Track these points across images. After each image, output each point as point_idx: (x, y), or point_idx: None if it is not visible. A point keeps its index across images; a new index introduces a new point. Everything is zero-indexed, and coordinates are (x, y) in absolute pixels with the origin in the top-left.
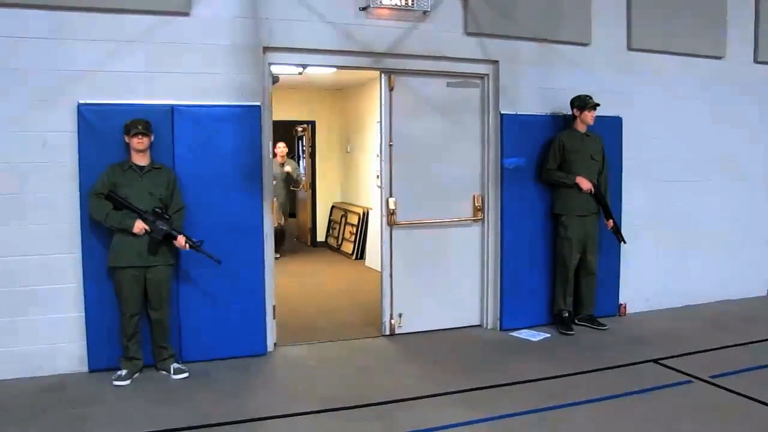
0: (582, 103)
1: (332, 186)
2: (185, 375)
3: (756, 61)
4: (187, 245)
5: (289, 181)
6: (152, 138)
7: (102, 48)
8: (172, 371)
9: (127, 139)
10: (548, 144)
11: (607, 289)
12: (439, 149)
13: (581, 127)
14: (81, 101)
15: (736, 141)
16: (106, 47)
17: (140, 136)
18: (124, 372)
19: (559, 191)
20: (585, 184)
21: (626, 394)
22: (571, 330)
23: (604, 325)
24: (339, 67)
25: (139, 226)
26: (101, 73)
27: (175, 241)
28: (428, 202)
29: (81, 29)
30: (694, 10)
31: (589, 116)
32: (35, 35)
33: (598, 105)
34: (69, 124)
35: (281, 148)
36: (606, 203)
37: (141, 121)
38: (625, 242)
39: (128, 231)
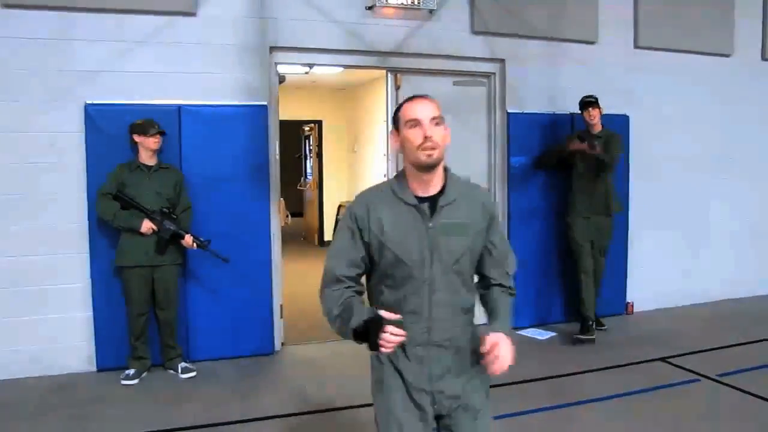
0: (580, 103)
1: (339, 185)
2: (193, 374)
3: (764, 59)
4: (195, 244)
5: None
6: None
7: (109, 48)
8: (179, 370)
9: (138, 138)
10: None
11: (615, 287)
12: (446, 148)
13: (593, 128)
14: (88, 101)
15: (744, 139)
16: (113, 48)
17: (159, 136)
18: (132, 371)
19: (568, 194)
20: (576, 145)
21: (633, 392)
22: (592, 335)
23: (602, 326)
24: (345, 67)
25: (147, 225)
26: (108, 73)
27: (182, 241)
28: None
29: (88, 30)
30: (701, 7)
31: (586, 115)
32: (42, 36)
33: (591, 102)
34: (76, 125)
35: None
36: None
37: (155, 121)
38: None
39: (136, 231)
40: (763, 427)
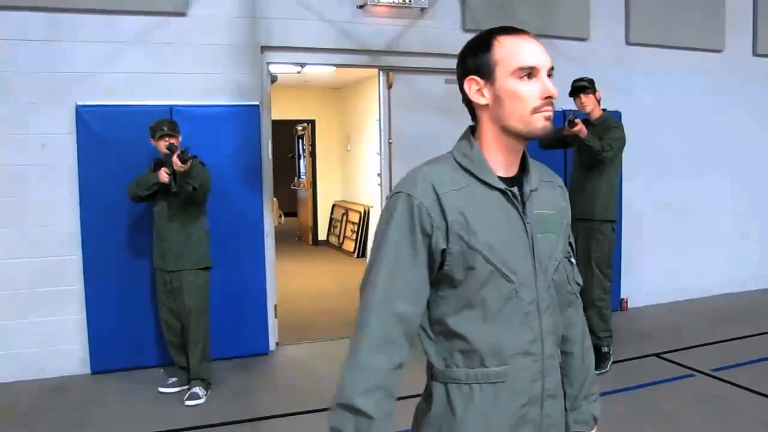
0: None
1: (333, 184)
2: (198, 402)
3: (755, 54)
4: (178, 160)
5: None
6: (180, 138)
7: (100, 49)
8: (187, 394)
9: (153, 142)
10: None
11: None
12: (439, 146)
13: (590, 115)
14: (79, 103)
15: (737, 134)
16: (104, 48)
17: (168, 139)
18: (172, 379)
19: None
20: (566, 129)
21: (628, 388)
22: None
23: None
24: (337, 66)
25: (162, 174)
26: (99, 74)
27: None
28: None
29: (79, 31)
30: (692, 3)
31: (577, 104)
32: (33, 37)
33: (578, 88)
34: (68, 126)
35: None
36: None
37: (165, 121)
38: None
39: (158, 183)
40: (759, 421)
